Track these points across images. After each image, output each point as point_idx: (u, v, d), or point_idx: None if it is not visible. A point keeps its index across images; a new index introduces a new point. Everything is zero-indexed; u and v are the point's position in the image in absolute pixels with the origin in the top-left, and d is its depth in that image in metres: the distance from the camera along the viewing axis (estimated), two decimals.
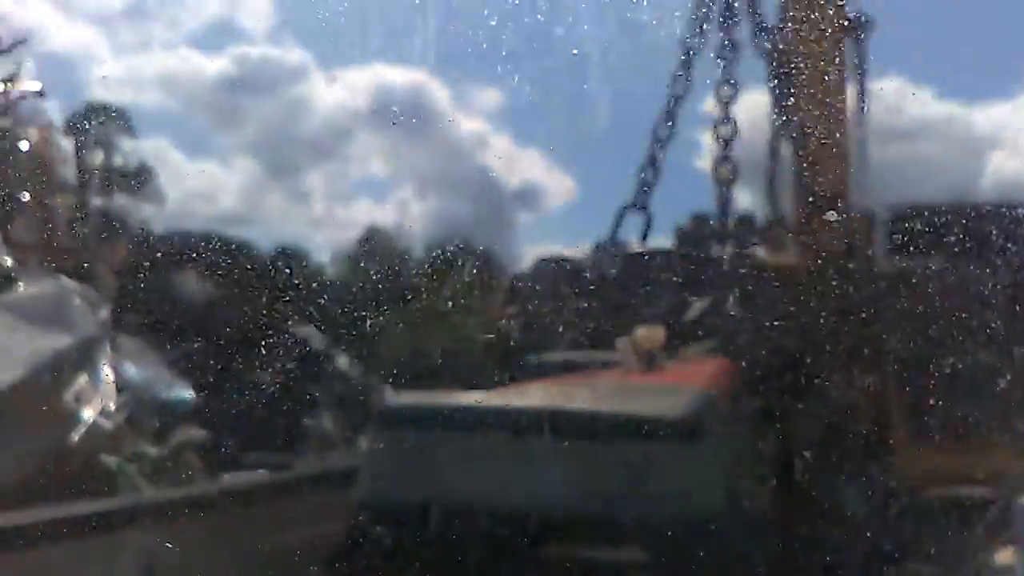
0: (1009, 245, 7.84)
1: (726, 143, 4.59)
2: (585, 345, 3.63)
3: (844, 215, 5.16)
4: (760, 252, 4.47)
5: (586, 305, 4.00)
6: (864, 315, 3.88)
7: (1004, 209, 8.15)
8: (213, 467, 8.66)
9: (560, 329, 3.91)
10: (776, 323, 3.74)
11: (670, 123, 5.10)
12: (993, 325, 7.45)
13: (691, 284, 3.84)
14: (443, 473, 2.52)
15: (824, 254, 4.70)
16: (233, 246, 12.21)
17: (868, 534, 3.78)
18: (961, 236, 7.69)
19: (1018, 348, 6.90)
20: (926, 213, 7.80)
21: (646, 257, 4.58)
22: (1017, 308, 7.70)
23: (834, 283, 4.03)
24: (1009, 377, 6.42)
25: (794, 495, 3.41)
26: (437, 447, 2.57)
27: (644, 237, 4.91)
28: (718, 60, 4.80)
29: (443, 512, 2.44)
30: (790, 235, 5.44)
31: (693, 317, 3.61)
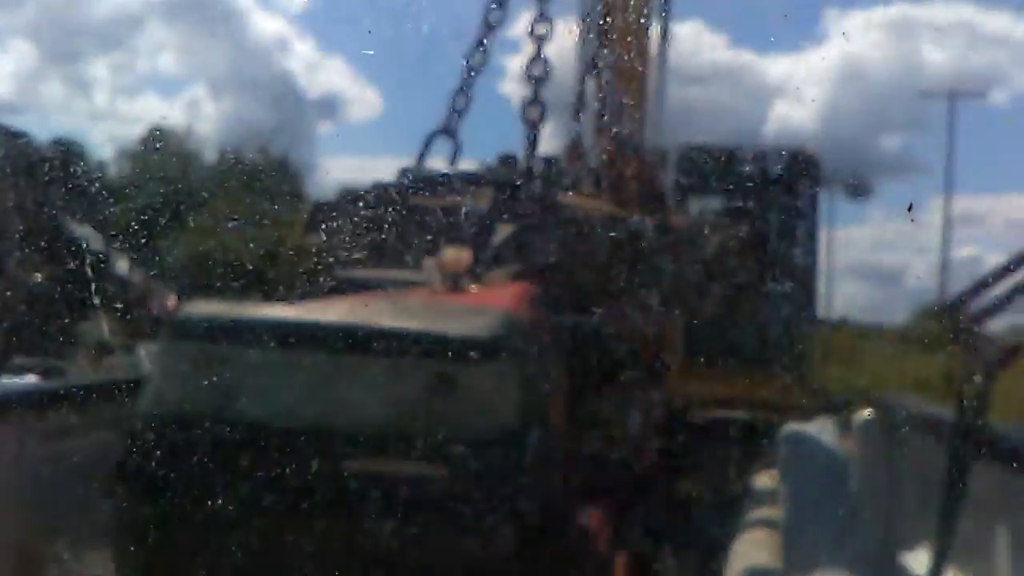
0: (783, 187, 8.45)
1: (537, 83, 4.62)
2: (391, 264, 3.63)
3: (641, 155, 5.37)
4: (564, 194, 4.60)
5: (393, 225, 3.99)
6: (651, 254, 4.10)
7: (781, 153, 8.75)
8: None
9: (365, 247, 3.90)
10: (572, 254, 3.89)
11: (483, 51, 5.07)
12: (765, 264, 8.06)
13: (498, 211, 3.93)
14: (238, 388, 2.33)
15: (621, 195, 4.91)
16: (6, 134, 11.33)
17: (644, 452, 4.07)
18: (741, 176, 8.21)
19: (784, 284, 7.51)
20: (711, 154, 8.27)
21: (454, 179, 4.60)
22: (787, 247, 8.35)
23: (628, 224, 4.24)
24: (775, 311, 6.97)
25: (583, 414, 3.62)
26: (232, 360, 2.37)
27: (452, 164, 4.91)
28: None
29: (235, 428, 2.31)
30: (592, 174, 5.63)
31: (498, 242, 3.69)
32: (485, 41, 4.96)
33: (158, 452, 2.47)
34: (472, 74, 4.98)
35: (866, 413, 4.69)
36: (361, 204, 4.24)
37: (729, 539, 4.05)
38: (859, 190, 8.63)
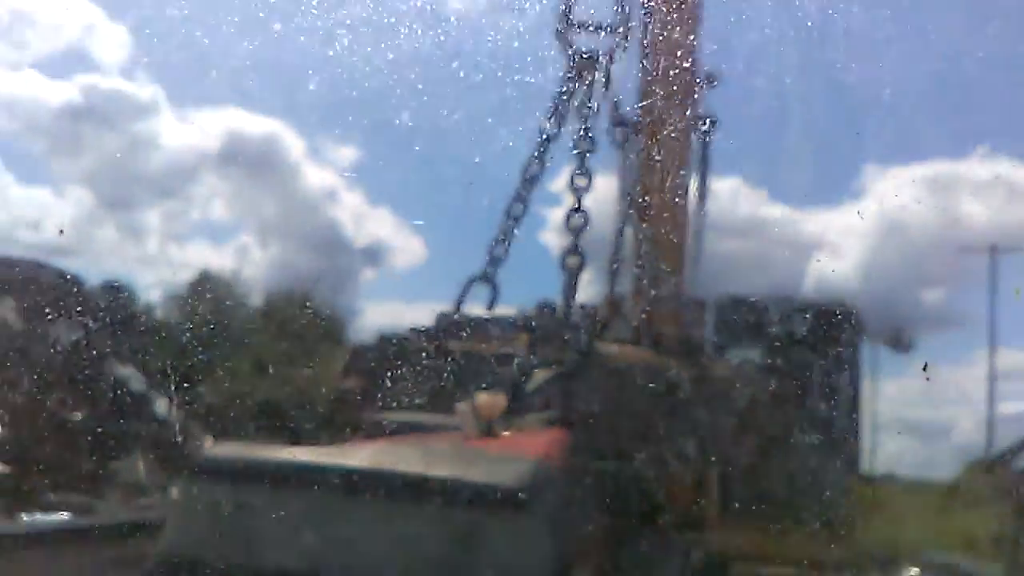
0: (823, 341, 8.39)
1: (576, 233, 4.71)
2: (426, 408, 3.60)
3: (680, 307, 5.40)
4: (602, 343, 4.62)
5: (429, 369, 4.00)
6: (688, 404, 4.06)
7: (822, 306, 8.73)
8: (12, 506, 8.11)
9: (400, 391, 3.90)
10: (609, 402, 3.85)
11: (522, 204, 5.19)
12: (805, 417, 7.91)
13: (534, 357, 3.93)
14: (258, 531, 2.29)
15: (658, 346, 4.92)
16: (56, 276, 11.62)
17: None
18: (780, 329, 8.18)
19: (825, 438, 7.35)
20: (751, 306, 8.27)
21: (491, 324, 4.64)
22: (827, 400, 8.22)
23: (666, 375, 4.22)
24: (815, 465, 6.80)
25: (618, 567, 3.49)
26: (254, 503, 2.36)
27: (490, 310, 4.95)
28: (574, 151, 4.94)
29: (257, 572, 2.24)
30: (630, 324, 5.64)
31: (533, 388, 3.67)
32: (524, 193, 5.08)
33: None
34: (511, 224, 5.07)
35: (913, 572, 4.50)
36: (398, 349, 4.27)
37: None
38: (900, 344, 8.54)
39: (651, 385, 4.04)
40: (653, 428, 3.91)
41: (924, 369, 7.80)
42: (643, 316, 5.41)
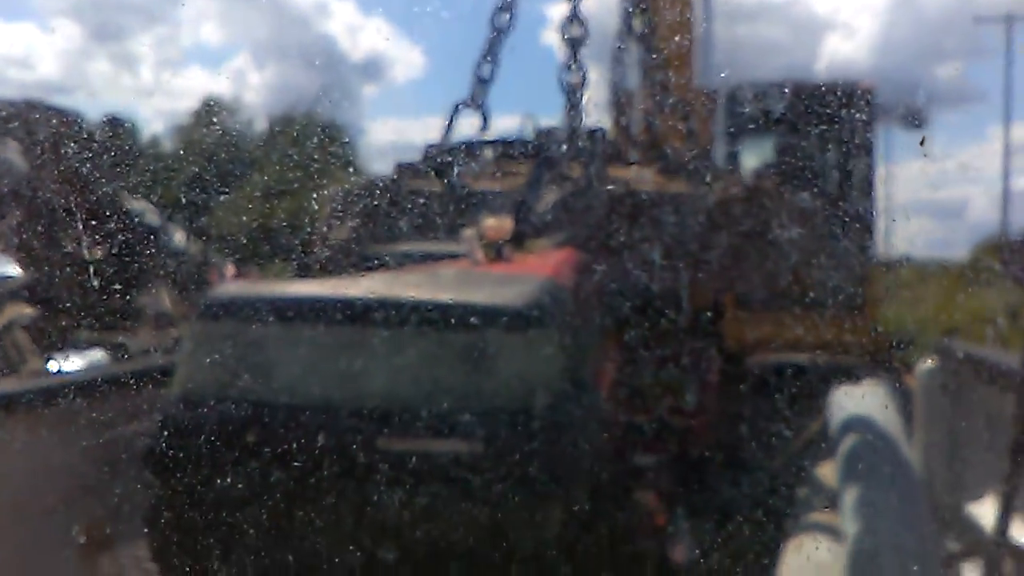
0: (837, 121, 8.21)
1: (575, 44, 4.31)
2: (431, 237, 3.50)
3: (689, 103, 5.16)
4: (612, 165, 4.37)
5: (432, 197, 3.83)
6: (703, 225, 3.94)
7: (834, 86, 8.48)
8: (44, 346, 8.32)
9: (405, 220, 3.77)
10: (621, 225, 3.75)
11: (508, 12, 4.69)
12: (819, 201, 7.85)
13: (539, 181, 3.75)
14: (269, 367, 2.42)
15: (669, 165, 4.66)
16: (56, 114, 11.47)
17: (702, 412, 3.96)
18: (794, 113, 8.00)
19: (840, 221, 7.31)
20: (762, 91, 8.05)
21: (494, 148, 4.40)
22: (842, 183, 8.14)
23: (676, 194, 4.04)
24: (830, 250, 6.79)
25: (632, 381, 3.52)
26: (266, 338, 2.44)
27: (480, 135, 4.61)
28: None
29: (266, 407, 2.37)
30: (638, 145, 5.42)
31: (541, 210, 3.55)
32: (511, 3, 4.62)
33: (185, 435, 2.45)
34: (498, 38, 4.63)
35: (928, 361, 4.56)
36: (388, 191, 4.07)
37: (789, 505, 3.98)
38: (915, 120, 8.32)
39: (664, 207, 3.87)
40: (664, 248, 3.81)
41: (921, 144, 7.62)
42: (651, 134, 5.16)
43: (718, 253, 4.00)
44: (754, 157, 8.84)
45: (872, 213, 8.19)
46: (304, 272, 3.84)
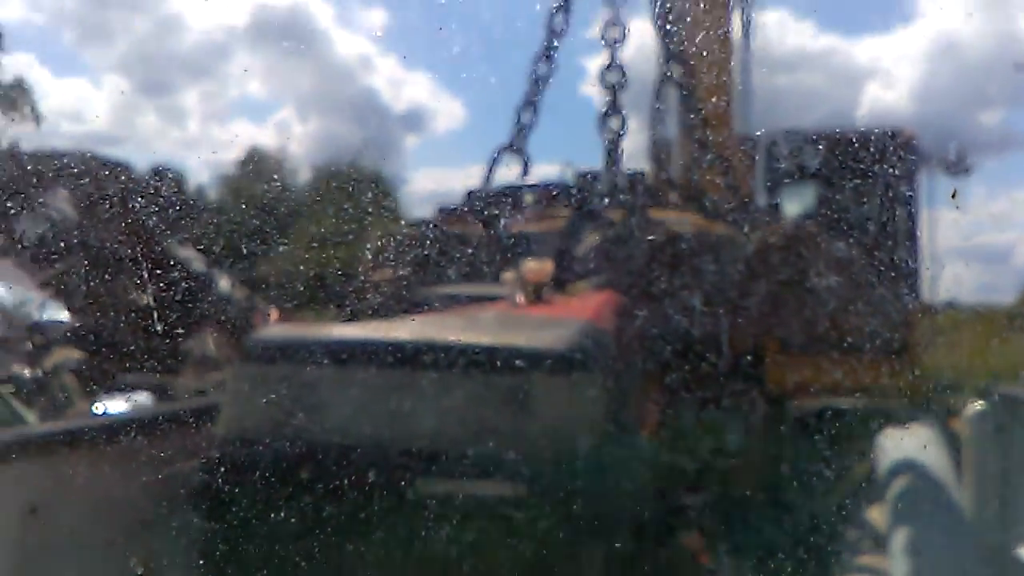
0: (879, 169, 8.19)
1: (614, 91, 4.37)
2: (474, 279, 3.53)
3: (729, 153, 5.17)
4: (652, 207, 4.38)
5: (476, 241, 3.86)
6: (739, 265, 3.93)
7: (876, 133, 8.47)
8: (90, 389, 8.44)
9: (450, 263, 3.80)
10: (661, 267, 3.75)
11: (548, 60, 4.78)
12: (863, 249, 7.82)
13: (580, 224, 3.78)
14: (313, 408, 2.48)
15: (710, 208, 4.67)
16: (106, 165, 11.76)
17: (744, 454, 3.92)
18: (835, 160, 7.99)
19: (884, 268, 7.27)
20: (803, 139, 8.06)
21: (534, 193, 4.43)
22: (885, 230, 8.10)
23: (716, 237, 4.04)
24: (875, 296, 6.75)
25: (674, 422, 3.50)
26: (307, 381, 2.51)
27: (522, 179, 4.66)
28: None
29: (310, 449, 2.42)
30: (678, 188, 5.43)
31: (582, 253, 3.58)
32: (550, 50, 4.68)
33: (234, 473, 2.50)
34: (539, 86, 4.71)
35: (978, 405, 4.50)
36: (432, 234, 4.11)
37: (835, 547, 3.92)
38: (958, 167, 8.29)
39: (701, 250, 3.86)
40: (704, 292, 3.80)
41: (953, 196, 7.58)
42: (690, 178, 5.18)
43: (758, 298, 3.98)
44: (795, 206, 8.83)
45: (914, 260, 8.13)
46: (352, 316, 3.88)
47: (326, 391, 2.50)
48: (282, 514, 2.42)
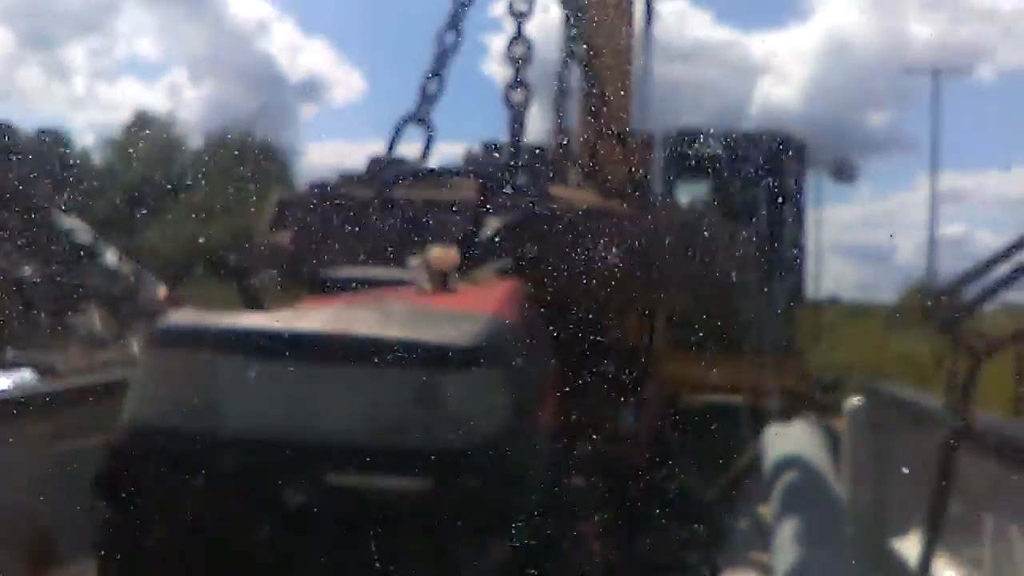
0: (769, 171, 8.54)
1: (519, 64, 4.41)
2: (375, 247, 3.51)
3: (628, 142, 5.26)
4: (554, 185, 4.43)
5: (378, 221, 3.84)
6: (638, 245, 4.01)
7: (767, 137, 8.82)
8: None
9: (339, 244, 3.76)
10: (562, 248, 3.81)
11: (456, 32, 4.77)
12: (751, 247, 8.12)
13: (485, 205, 3.79)
14: (221, 399, 2.47)
15: (608, 187, 4.75)
16: None
17: (640, 447, 4.08)
18: (728, 161, 8.28)
19: (770, 266, 7.59)
20: (698, 139, 8.32)
21: (436, 170, 4.42)
22: (772, 229, 8.44)
23: (614, 218, 4.11)
24: (761, 294, 7.04)
25: (576, 416, 3.62)
26: (219, 370, 2.48)
27: (425, 153, 4.64)
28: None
29: (216, 439, 2.40)
30: (578, 165, 5.52)
31: (486, 238, 3.61)
32: (458, 21, 4.68)
33: (138, 463, 2.46)
34: (445, 57, 4.71)
35: (855, 400, 4.78)
36: (331, 197, 4.04)
37: (723, 535, 4.13)
38: (844, 173, 8.71)
39: (603, 229, 3.94)
40: (605, 273, 3.89)
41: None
42: (591, 156, 5.26)
43: (652, 284, 4.05)
44: (689, 200, 9.12)
45: (801, 258, 8.49)
46: (246, 288, 3.80)
47: (233, 382, 2.48)
48: (181, 508, 2.42)
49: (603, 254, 3.87)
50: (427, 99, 4.52)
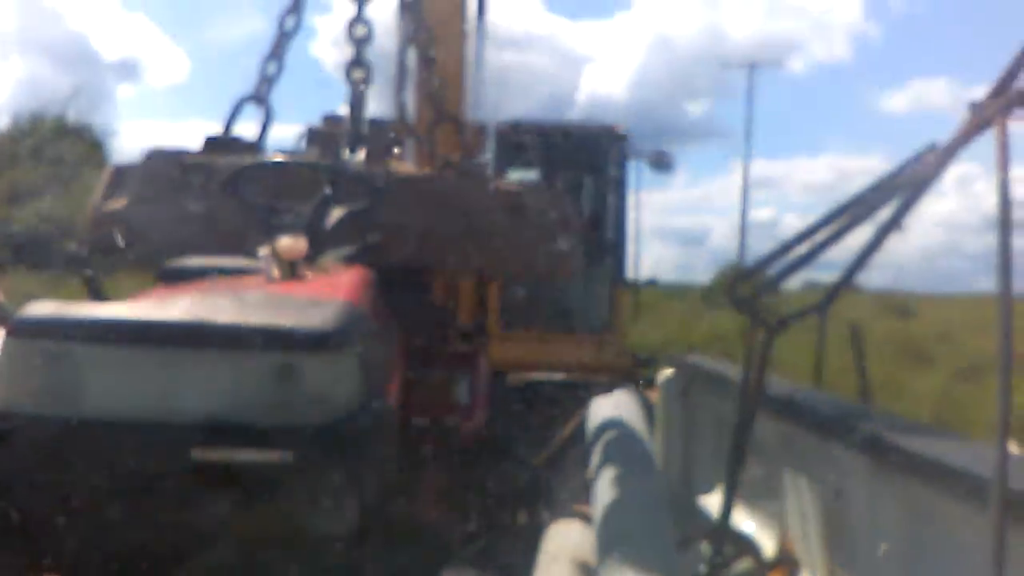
0: (592, 162, 8.98)
1: (360, 44, 4.50)
2: (223, 251, 3.58)
3: (460, 127, 5.43)
4: (390, 163, 4.56)
5: (211, 172, 3.87)
6: (470, 225, 4.21)
7: (591, 131, 9.26)
8: None
9: (175, 216, 3.76)
10: (402, 232, 3.97)
11: (296, 15, 4.82)
12: (575, 231, 8.50)
13: (329, 197, 3.89)
14: (82, 385, 2.54)
15: (442, 166, 4.91)
16: None
17: (474, 419, 4.32)
18: (555, 151, 8.66)
19: (593, 250, 7.99)
20: (528, 131, 8.65)
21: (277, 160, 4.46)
22: (595, 215, 8.88)
23: (449, 196, 4.28)
24: (584, 277, 7.43)
25: (417, 390, 3.83)
26: (76, 360, 2.56)
27: (263, 134, 4.68)
28: None
29: (80, 424, 2.48)
30: (415, 144, 5.64)
31: (331, 225, 3.72)
32: (299, 5, 4.73)
33: (1, 446, 2.50)
34: (284, 39, 4.75)
35: (667, 372, 5.17)
36: (168, 168, 4.02)
37: (549, 494, 4.46)
38: (662, 164, 9.24)
39: (443, 207, 4.07)
40: (443, 251, 4.05)
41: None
42: (428, 136, 5.39)
43: (489, 248, 4.18)
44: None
45: (622, 242, 8.95)
46: (88, 278, 3.78)
47: (95, 369, 2.54)
48: (51, 484, 2.49)
49: (442, 231, 4.02)
50: (266, 80, 4.55)
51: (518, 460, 5.23)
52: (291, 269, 3.22)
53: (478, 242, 4.03)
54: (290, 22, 4.62)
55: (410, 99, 5.80)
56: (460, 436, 4.06)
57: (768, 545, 3.70)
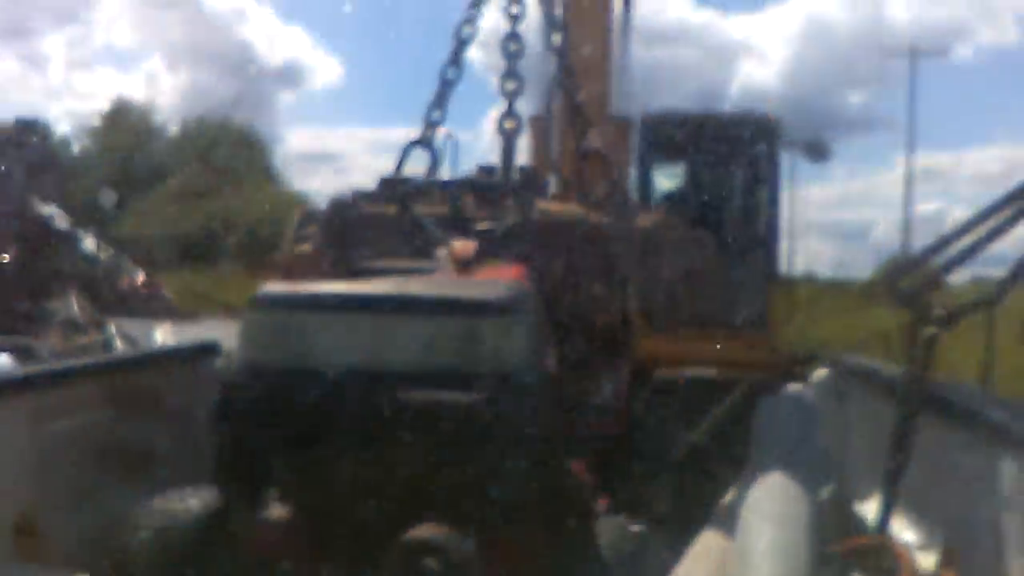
0: (743, 152, 8.67)
1: (512, 96, 4.74)
2: (389, 257, 4.18)
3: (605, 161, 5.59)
4: (541, 199, 4.94)
5: (389, 222, 4.37)
6: (615, 248, 4.50)
7: (742, 119, 8.95)
8: None
9: (370, 242, 4.33)
10: (551, 250, 4.37)
11: (457, 67, 5.03)
12: (726, 226, 8.23)
13: (487, 216, 4.33)
14: (313, 345, 3.31)
15: (588, 197, 5.11)
16: None
17: (618, 413, 4.64)
18: (703, 143, 8.40)
19: (746, 245, 7.72)
20: (674, 122, 8.42)
21: (442, 187, 4.86)
22: (747, 208, 8.57)
23: (599, 227, 4.58)
24: (737, 274, 7.19)
25: (567, 378, 4.07)
26: (307, 326, 3.35)
27: (430, 173, 5.06)
28: (505, 14, 4.85)
29: (312, 375, 3.23)
30: (560, 179, 6.12)
31: (496, 236, 4.21)
32: (459, 56, 4.98)
33: (251, 396, 3.30)
34: (447, 88, 5.00)
35: (822, 372, 4.91)
36: (351, 213, 4.60)
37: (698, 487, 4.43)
38: (817, 153, 8.83)
39: (582, 235, 4.57)
40: (586, 271, 4.51)
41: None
42: (574, 172, 5.62)
43: (628, 280, 4.63)
44: (667, 181, 9.24)
45: (774, 236, 8.61)
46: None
47: (323, 333, 3.34)
48: (289, 424, 3.26)
49: (585, 254, 4.50)
50: (431, 125, 5.00)
51: (655, 453, 5.25)
52: (465, 265, 3.86)
53: (609, 269, 4.51)
54: (451, 74, 4.94)
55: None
56: (606, 425, 4.51)
57: (928, 560, 3.43)
